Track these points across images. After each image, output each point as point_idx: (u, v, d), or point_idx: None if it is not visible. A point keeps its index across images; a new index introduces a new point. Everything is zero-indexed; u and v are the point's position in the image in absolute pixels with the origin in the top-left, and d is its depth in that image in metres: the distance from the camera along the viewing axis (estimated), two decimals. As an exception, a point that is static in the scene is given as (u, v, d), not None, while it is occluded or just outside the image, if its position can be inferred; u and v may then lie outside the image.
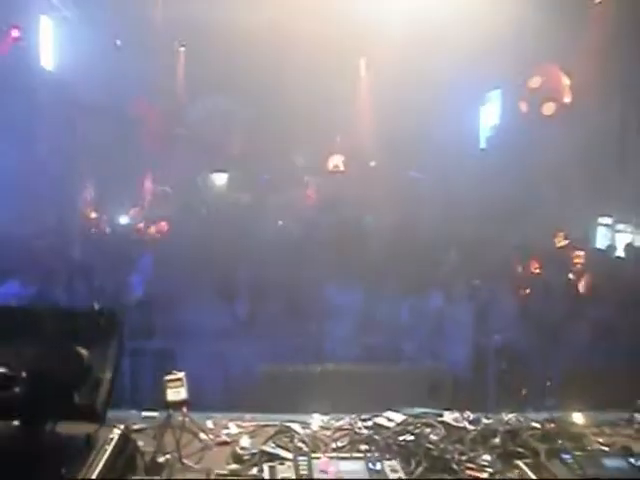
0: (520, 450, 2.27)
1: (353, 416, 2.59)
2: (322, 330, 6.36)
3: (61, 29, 12.22)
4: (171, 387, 2.33)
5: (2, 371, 1.84)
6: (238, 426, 2.53)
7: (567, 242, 9.67)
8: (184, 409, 2.34)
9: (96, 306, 2.01)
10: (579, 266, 8.23)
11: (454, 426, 2.47)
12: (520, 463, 2.20)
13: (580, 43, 10.67)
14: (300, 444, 2.31)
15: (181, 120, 14.51)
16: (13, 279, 6.14)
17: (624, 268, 8.09)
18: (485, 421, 2.52)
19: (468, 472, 2.14)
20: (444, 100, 12.20)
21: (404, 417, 2.51)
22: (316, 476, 1.92)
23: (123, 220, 12.79)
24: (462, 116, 13.74)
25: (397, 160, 13.18)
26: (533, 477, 2.09)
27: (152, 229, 10.73)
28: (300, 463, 1.98)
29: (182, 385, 2.33)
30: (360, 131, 13.79)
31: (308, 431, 2.45)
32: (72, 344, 1.90)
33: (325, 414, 2.61)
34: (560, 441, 2.30)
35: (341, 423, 2.55)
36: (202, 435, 2.41)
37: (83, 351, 1.90)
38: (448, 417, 2.55)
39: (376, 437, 2.35)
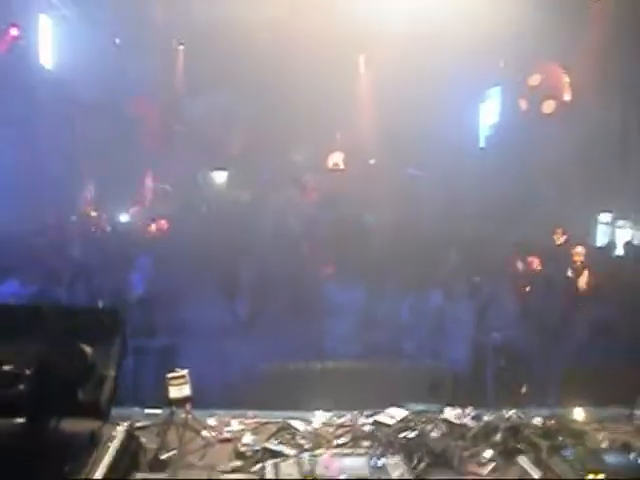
0: (521, 446, 2.28)
1: (355, 413, 2.60)
2: (322, 328, 6.38)
3: (60, 28, 12.20)
4: (174, 384, 2.34)
5: (7, 369, 1.85)
6: (240, 423, 2.54)
7: (566, 238, 9.68)
8: (187, 406, 2.35)
9: (99, 304, 2.02)
10: (578, 263, 8.23)
11: (455, 423, 2.49)
12: (521, 459, 2.21)
13: (580, 40, 10.67)
14: (302, 441, 2.32)
15: (181, 118, 14.49)
16: (12, 278, 6.15)
17: (624, 265, 8.11)
18: (486, 418, 2.53)
19: (470, 468, 2.15)
20: (444, 98, 12.19)
21: (405, 414, 2.52)
22: (319, 472, 1.93)
23: (123, 218, 12.78)
24: (462, 114, 13.71)
25: (397, 158, 13.18)
26: (534, 473, 2.10)
27: (152, 227, 10.72)
28: (303, 460, 1.99)
29: (185, 382, 2.34)
30: (360, 129, 13.78)
31: (310, 428, 2.46)
32: (76, 342, 1.90)
33: (327, 411, 2.62)
34: (561, 437, 2.32)
35: (343, 420, 2.56)
36: (205, 432, 2.42)
37: (87, 349, 1.91)
38: (449, 414, 2.56)
39: (378, 434, 2.36)
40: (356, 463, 1.99)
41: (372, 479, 1.88)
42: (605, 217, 11.58)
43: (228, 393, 5.22)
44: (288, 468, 1.96)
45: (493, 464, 2.18)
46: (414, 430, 2.36)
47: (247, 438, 2.36)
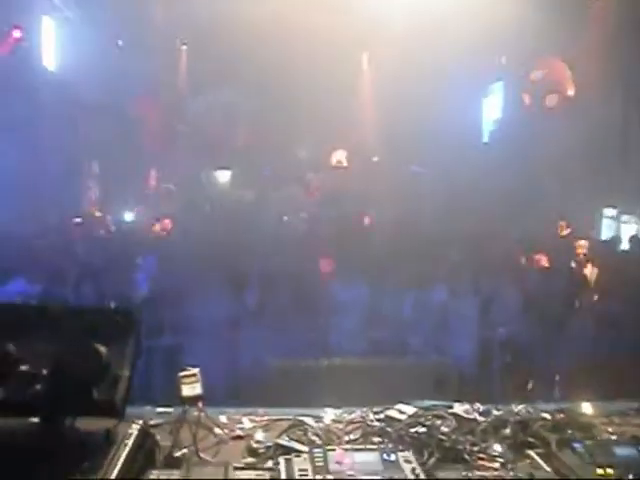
0: (531, 440, 2.30)
1: (365, 409, 2.62)
2: (327, 325, 6.41)
3: (63, 29, 12.25)
4: (186, 383, 2.36)
5: (23, 369, 1.88)
6: (251, 420, 2.56)
7: (569, 231, 9.69)
8: (199, 404, 2.37)
9: (112, 305, 2.05)
10: (581, 256, 8.25)
11: (465, 418, 2.50)
12: (531, 453, 2.23)
13: (583, 35, 10.66)
14: (314, 437, 2.34)
15: (184, 117, 14.54)
16: (19, 277, 6.19)
17: (629, 259, 8.11)
18: (495, 412, 2.55)
19: (480, 462, 2.17)
20: (447, 94, 12.20)
21: (415, 409, 2.54)
22: (332, 468, 1.95)
23: (127, 218, 12.84)
24: (465, 109, 13.73)
25: (400, 155, 13.20)
26: (545, 466, 2.13)
27: (157, 227, 10.76)
28: (315, 455, 2.01)
29: (197, 381, 2.36)
30: (363, 126, 13.80)
31: (321, 424, 2.48)
32: (91, 342, 1.94)
33: (337, 408, 2.65)
34: (570, 431, 2.33)
35: (353, 416, 2.58)
36: (217, 430, 2.44)
37: (102, 348, 1.94)
38: (458, 409, 2.58)
39: (388, 429, 2.38)
40: (369, 458, 2.02)
41: (386, 478, 1.90)
42: (610, 211, 11.58)
43: (232, 392, 5.26)
44: (301, 463, 1.98)
45: (503, 458, 2.20)
46: (424, 425, 2.38)
47: (259, 435, 2.38)
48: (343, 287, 6.59)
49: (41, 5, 11.63)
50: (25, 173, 9.90)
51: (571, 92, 12.28)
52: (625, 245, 8.97)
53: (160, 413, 2.54)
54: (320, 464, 1.96)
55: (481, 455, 2.21)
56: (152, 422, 2.37)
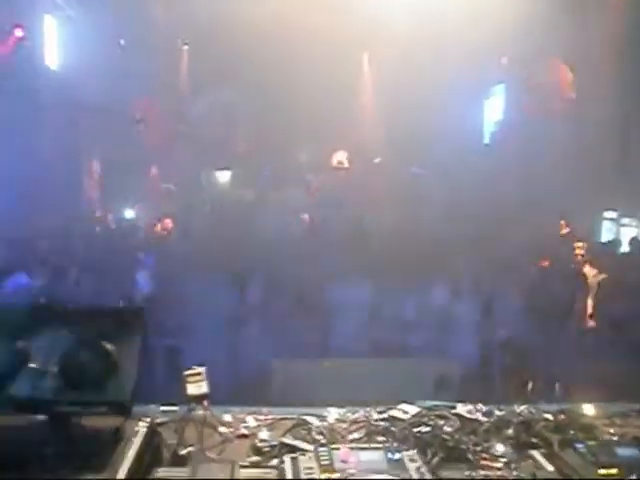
0: (533, 440, 2.32)
1: (368, 409, 2.64)
2: (328, 326, 6.43)
3: (65, 28, 12.25)
4: (192, 381, 2.38)
5: (33, 366, 1.90)
6: (256, 420, 2.58)
7: (568, 230, 9.73)
8: (205, 403, 2.39)
9: (121, 304, 2.08)
10: (579, 257, 8.28)
11: (467, 418, 2.52)
12: (534, 453, 2.25)
13: (585, 38, 10.68)
14: (318, 436, 2.36)
15: (184, 118, 14.54)
16: (22, 271, 6.22)
17: (629, 262, 8.13)
18: (498, 413, 2.57)
19: (483, 462, 2.19)
20: (448, 95, 12.21)
21: (418, 409, 2.56)
22: (337, 466, 1.97)
23: (128, 218, 12.85)
24: (466, 111, 13.74)
25: (401, 156, 13.21)
26: (547, 466, 2.15)
27: (157, 227, 10.79)
28: (321, 454, 2.03)
29: (202, 379, 2.38)
30: (364, 127, 13.81)
31: (325, 423, 2.50)
32: (99, 340, 1.96)
33: (341, 407, 2.66)
34: (572, 432, 2.35)
35: (356, 415, 2.60)
36: (222, 428, 2.46)
37: (110, 347, 1.96)
38: (461, 409, 2.59)
39: (392, 429, 2.40)
40: (374, 456, 2.03)
41: (394, 478, 1.92)
42: (610, 214, 11.61)
43: (232, 390, 5.28)
44: (307, 462, 2.00)
45: (506, 458, 2.21)
46: (428, 425, 2.40)
47: (264, 434, 2.40)
48: (343, 287, 6.61)
49: (43, 4, 11.64)
50: (26, 172, 9.90)
51: (572, 94, 12.30)
52: (625, 247, 8.99)
53: (164, 411, 2.56)
54: (326, 462, 1.98)
55: (484, 455, 2.23)
56: (158, 420, 2.39)
